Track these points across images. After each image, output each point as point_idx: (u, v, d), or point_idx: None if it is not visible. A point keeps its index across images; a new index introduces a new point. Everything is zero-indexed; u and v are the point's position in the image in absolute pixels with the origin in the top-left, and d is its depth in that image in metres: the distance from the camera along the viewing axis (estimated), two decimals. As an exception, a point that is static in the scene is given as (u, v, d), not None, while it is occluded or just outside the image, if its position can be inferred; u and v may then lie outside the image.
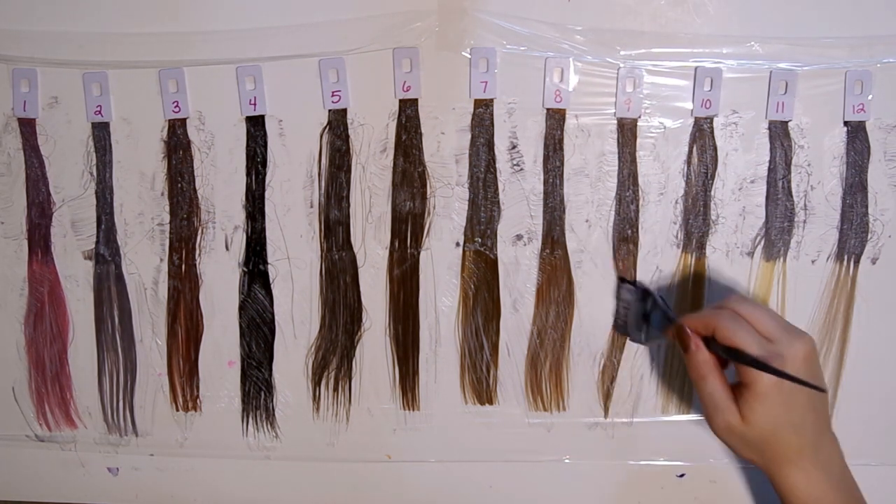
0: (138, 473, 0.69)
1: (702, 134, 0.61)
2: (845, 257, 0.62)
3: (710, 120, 0.61)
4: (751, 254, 0.62)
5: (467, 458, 0.67)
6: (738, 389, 0.49)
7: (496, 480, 0.67)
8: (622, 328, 0.63)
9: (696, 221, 0.62)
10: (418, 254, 0.63)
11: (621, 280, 0.62)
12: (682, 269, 0.63)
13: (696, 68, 0.60)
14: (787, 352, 0.47)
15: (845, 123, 0.60)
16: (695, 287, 0.63)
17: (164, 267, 0.65)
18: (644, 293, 0.59)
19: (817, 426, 0.50)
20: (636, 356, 0.64)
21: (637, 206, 0.62)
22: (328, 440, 0.67)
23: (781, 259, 0.62)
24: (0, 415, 0.68)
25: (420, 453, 0.67)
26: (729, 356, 0.49)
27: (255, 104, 0.62)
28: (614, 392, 0.65)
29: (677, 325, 0.52)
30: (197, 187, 0.63)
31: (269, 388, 0.66)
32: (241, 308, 0.65)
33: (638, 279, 0.63)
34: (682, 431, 0.65)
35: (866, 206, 0.61)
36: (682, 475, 0.66)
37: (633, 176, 0.62)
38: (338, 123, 0.62)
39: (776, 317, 0.50)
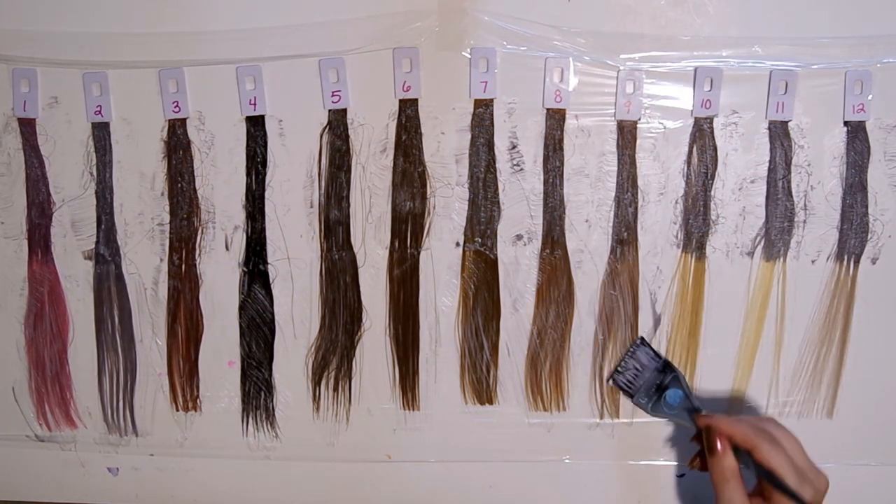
0: (138, 473, 0.69)
1: (702, 134, 0.61)
2: (845, 257, 0.62)
3: (710, 120, 0.61)
4: (751, 254, 0.62)
5: (467, 458, 0.67)
6: (756, 501, 0.52)
7: (496, 480, 0.67)
8: (625, 385, 0.62)
9: (696, 221, 0.62)
10: (418, 254, 0.63)
11: (642, 341, 0.63)
12: (682, 269, 0.63)
13: (696, 69, 0.60)
14: (815, 487, 0.51)
15: (845, 123, 0.60)
16: (695, 287, 0.63)
17: (164, 267, 0.65)
18: (666, 366, 0.61)
19: None
20: (636, 356, 0.64)
21: (636, 208, 0.62)
22: (328, 440, 0.67)
23: (781, 259, 0.62)
24: (0, 415, 0.68)
25: (420, 453, 0.67)
26: (762, 474, 0.52)
27: (255, 104, 0.62)
28: (615, 392, 0.65)
29: (708, 427, 0.54)
30: (197, 187, 0.63)
31: (269, 388, 0.66)
32: (241, 308, 0.65)
33: (661, 351, 0.63)
34: (682, 431, 0.65)
35: (866, 206, 0.61)
36: (682, 475, 0.66)
37: (633, 178, 0.62)
38: (338, 123, 0.62)
39: (804, 451, 0.53)
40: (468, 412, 0.66)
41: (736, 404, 0.64)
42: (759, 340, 0.63)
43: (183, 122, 0.63)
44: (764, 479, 0.51)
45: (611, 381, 0.64)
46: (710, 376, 0.64)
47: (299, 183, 0.63)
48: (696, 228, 0.62)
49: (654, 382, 0.61)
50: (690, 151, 0.61)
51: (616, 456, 0.66)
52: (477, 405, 0.65)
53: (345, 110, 0.62)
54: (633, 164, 0.61)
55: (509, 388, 0.65)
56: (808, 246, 0.62)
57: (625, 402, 0.65)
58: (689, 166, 0.61)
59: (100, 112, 0.63)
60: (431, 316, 0.64)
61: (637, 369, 0.62)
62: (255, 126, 0.62)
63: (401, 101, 0.61)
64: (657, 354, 0.62)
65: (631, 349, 0.63)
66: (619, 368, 0.63)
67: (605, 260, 0.63)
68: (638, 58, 0.60)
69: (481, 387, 0.65)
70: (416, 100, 0.61)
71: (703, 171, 0.61)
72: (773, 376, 0.64)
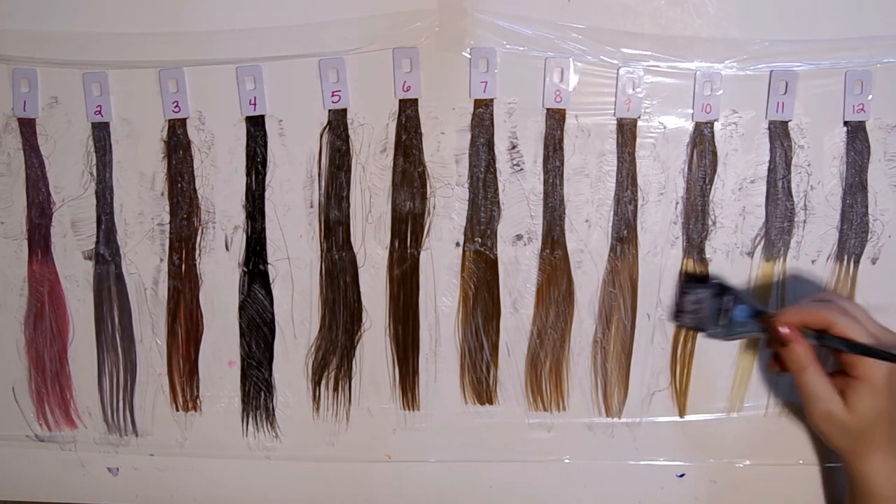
0: (138, 473, 0.69)
1: (702, 139, 0.61)
2: (845, 257, 0.62)
3: (711, 125, 0.61)
4: (751, 254, 0.62)
5: (467, 458, 0.67)
6: (838, 381, 0.53)
7: (496, 480, 0.67)
8: (692, 324, 0.61)
9: (696, 222, 0.62)
10: (418, 254, 0.63)
11: (689, 277, 0.62)
12: (683, 269, 0.63)
13: (695, 72, 0.60)
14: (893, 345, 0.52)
15: (845, 123, 0.60)
16: (695, 287, 0.63)
17: (164, 267, 0.65)
18: (721, 288, 0.59)
19: None
20: (635, 356, 0.64)
21: (636, 206, 0.62)
22: (328, 440, 0.67)
23: (781, 259, 0.62)
24: (0, 415, 0.68)
25: (420, 453, 0.67)
26: (844, 347, 0.52)
27: (255, 104, 0.62)
28: (615, 392, 0.65)
29: (773, 318, 0.54)
30: (197, 187, 0.63)
31: (269, 388, 0.66)
32: (241, 308, 0.65)
33: (710, 273, 0.62)
34: (682, 431, 0.65)
35: (866, 206, 0.61)
36: (682, 475, 0.66)
37: (633, 176, 0.62)
38: (338, 123, 0.62)
39: (871, 317, 0.54)
40: (468, 412, 0.66)
41: (736, 404, 0.64)
42: (759, 340, 0.63)
43: (183, 122, 0.63)
44: (846, 351, 0.52)
45: (677, 323, 0.63)
46: (710, 376, 0.64)
47: (299, 183, 0.63)
48: (695, 229, 0.62)
49: (716, 308, 0.59)
50: (691, 156, 0.61)
51: (616, 456, 0.66)
52: (477, 405, 0.65)
53: (345, 110, 0.62)
54: (632, 162, 0.61)
55: (509, 388, 0.65)
56: (808, 246, 0.62)
57: (627, 402, 0.65)
58: (689, 170, 0.61)
59: (100, 112, 0.63)
60: (431, 316, 0.64)
61: (696, 303, 0.60)
62: (255, 126, 0.62)
63: (401, 101, 0.61)
64: (709, 282, 0.61)
65: (684, 289, 0.61)
66: (679, 309, 0.62)
67: (605, 259, 0.63)
68: (638, 56, 0.60)
69: (481, 387, 0.65)
70: (416, 100, 0.61)
71: (703, 175, 0.61)
72: (774, 376, 0.64)
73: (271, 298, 0.65)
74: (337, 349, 0.65)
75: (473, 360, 0.64)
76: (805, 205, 0.62)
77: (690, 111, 0.60)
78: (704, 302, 0.59)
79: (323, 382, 0.66)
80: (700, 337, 0.63)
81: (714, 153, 0.61)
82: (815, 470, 0.65)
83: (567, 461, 0.66)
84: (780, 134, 0.61)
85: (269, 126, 0.62)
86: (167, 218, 0.64)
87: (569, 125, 0.61)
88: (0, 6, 0.61)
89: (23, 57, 0.62)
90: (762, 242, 0.62)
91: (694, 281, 0.61)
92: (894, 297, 0.63)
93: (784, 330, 0.53)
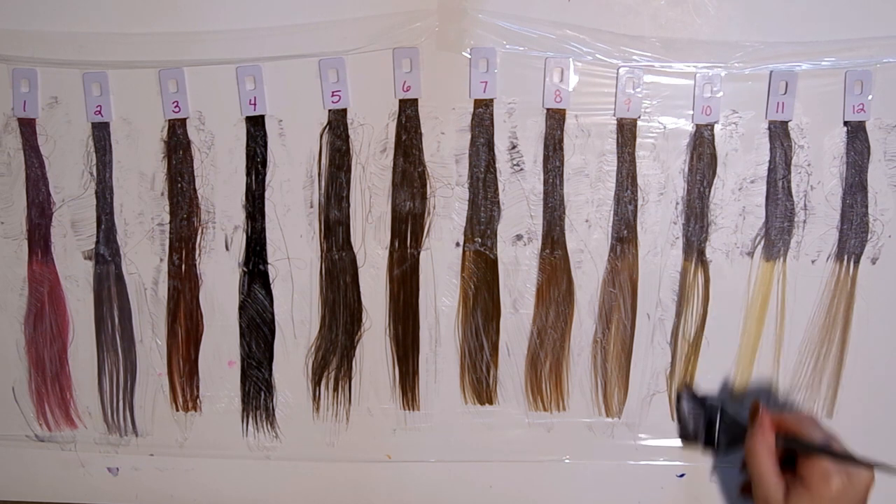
0: (138, 473, 0.69)
1: (702, 140, 0.61)
2: (845, 257, 0.62)
3: (711, 127, 0.61)
4: (751, 254, 0.62)
5: (467, 458, 0.67)
6: (789, 479, 0.53)
7: (496, 480, 0.67)
8: (693, 439, 0.63)
9: (696, 222, 0.62)
10: (418, 254, 0.63)
11: (687, 391, 0.63)
12: (682, 269, 0.63)
13: (695, 73, 0.59)
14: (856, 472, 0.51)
15: (845, 123, 0.60)
16: (694, 287, 0.63)
17: (164, 267, 0.65)
18: (709, 403, 0.62)
19: None
20: (635, 356, 0.64)
21: (636, 206, 0.62)
22: (328, 440, 0.67)
23: (781, 259, 0.62)
24: (0, 415, 0.68)
25: (420, 453, 0.67)
26: (808, 448, 0.52)
27: (255, 104, 0.62)
28: (615, 392, 0.65)
29: (755, 404, 0.56)
30: (197, 187, 0.63)
31: (269, 388, 0.66)
32: (241, 308, 0.65)
33: (701, 389, 0.64)
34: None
35: (866, 206, 0.61)
36: (682, 475, 0.66)
37: (633, 176, 0.62)
38: (338, 123, 0.62)
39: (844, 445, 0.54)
40: (468, 412, 0.66)
41: (736, 404, 0.64)
42: (759, 340, 0.63)
43: (183, 122, 0.63)
44: (809, 452, 0.52)
45: (687, 443, 0.64)
46: (710, 376, 0.64)
47: (299, 183, 0.63)
48: (695, 229, 0.62)
49: (703, 423, 0.62)
50: (691, 156, 0.61)
51: (616, 456, 0.66)
52: (477, 405, 0.65)
53: (345, 110, 0.62)
54: (632, 161, 0.61)
55: (509, 388, 0.65)
56: (808, 246, 0.62)
57: (627, 402, 0.65)
58: (689, 170, 0.61)
59: (100, 112, 0.63)
60: (431, 316, 0.64)
61: (696, 418, 0.63)
62: (255, 126, 0.62)
63: (401, 101, 0.61)
64: (696, 395, 0.63)
65: (678, 403, 0.64)
66: (685, 429, 0.64)
67: (605, 259, 0.63)
68: (638, 57, 0.60)
69: (481, 387, 0.65)
70: (416, 100, 0.61)
71: (702, 176, 0.61)
72: (773, 376, 0.64)
73: (271, 298, 0.65)
74: (337, 349, 0.65)
75: (473, 360, 0.65)
76: (805, 205, 0.62)
77: (690, 112, 0.60)
78: (700, 416, 0.62)
79: (323, 382, 0.66)
80: (696, 385, 0.64)
81: (714, 154, 0.61)
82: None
83: (567, 461, 0.66)
84: (780, 134, 0.61)
85: (269, 126, 0.62)
86: (167, 218, 0.64)
87: (569, 125, 0.61)
88: (0, 6, 0.61)
89: (23, 57, 0.62)
90: (762, 242, 0.62)
91: (688, 396, 0.63)
92: (894, 297, 0.63)
93: (763, 416, 0.55)
